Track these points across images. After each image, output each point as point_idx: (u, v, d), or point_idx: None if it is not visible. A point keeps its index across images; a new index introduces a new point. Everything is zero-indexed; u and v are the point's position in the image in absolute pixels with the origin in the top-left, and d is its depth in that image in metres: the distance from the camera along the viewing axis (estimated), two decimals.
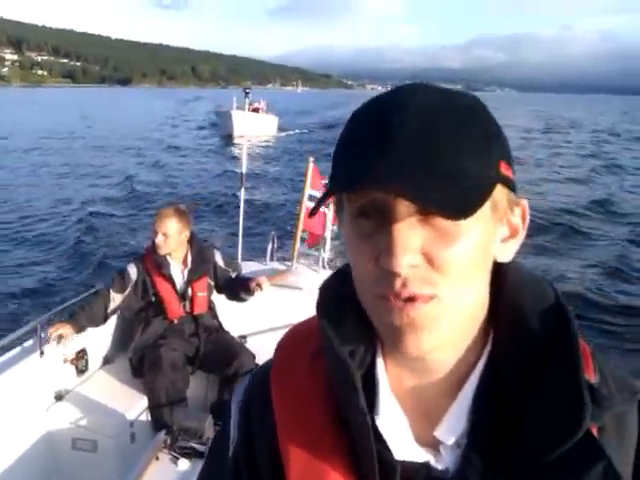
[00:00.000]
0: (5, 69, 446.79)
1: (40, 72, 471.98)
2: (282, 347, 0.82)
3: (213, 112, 43.06)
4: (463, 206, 0.58)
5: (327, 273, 4.99)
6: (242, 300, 4.26)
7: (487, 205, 0.62)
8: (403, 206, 0.60)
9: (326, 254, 5.17)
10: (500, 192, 0.64)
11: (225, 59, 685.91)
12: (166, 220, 3.88)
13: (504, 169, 0.65)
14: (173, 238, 3.92)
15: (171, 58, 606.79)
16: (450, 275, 0.61)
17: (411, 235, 0.60)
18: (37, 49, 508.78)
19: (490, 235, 0.66)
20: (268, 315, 4.36)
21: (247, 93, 5.98)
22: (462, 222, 0.60)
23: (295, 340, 0.82)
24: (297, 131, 42.16)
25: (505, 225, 0.68)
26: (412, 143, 0.60)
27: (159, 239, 3.89)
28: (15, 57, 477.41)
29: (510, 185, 0.66)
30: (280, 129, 41.84)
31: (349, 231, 0.66)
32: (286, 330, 0.84)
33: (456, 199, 0.58)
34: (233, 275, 4.31)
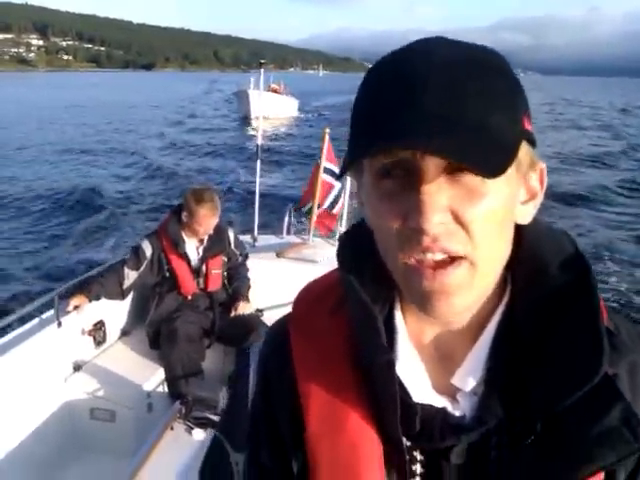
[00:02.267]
0: (32, 54, 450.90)
1: (65, 57, 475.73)
2: (300, 302, 0.82)
3: (232, 93, 42.82)
4: (496, 164, 0.57)
5: None
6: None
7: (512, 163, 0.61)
8: (431, 164, 0.58)
9: (343, 227, 5.15)
10: (523, 149, 0.63)
11: (246, 43, 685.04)
12: (217, 215, 4.00)
13: (527, 124, 0.64)
14: (213, 227, 4.05)
15: (193, 42, 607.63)
16: (478, 233, 0.60)
17: (440, 193, 0.59)
18: (62, 34, 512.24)
19: (514, 194, 0.65)
20: (284, 288, 4.34)
21: (261, 64, 5.91)
22: (489, 180, 0.59)
23: (313, 295, 0.82)
24: (319, 114, 41.79)
25: (523, 187, 0.67)
26: (439, 98, 0.57)
27: (206, 233, 4.04)
28: (41, 42, 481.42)
29: (532, 141, 0.65)
30: (301, 111, 41.43)
31: (371, 193, 0.65)
32: None
33: (489, 156, 0.56)
34: (240, 259, 4.35)
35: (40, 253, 10.27)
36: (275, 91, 37.18)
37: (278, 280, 4.34)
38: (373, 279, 0.72)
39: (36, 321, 3.64)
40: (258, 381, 0.82)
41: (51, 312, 3.66)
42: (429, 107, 0.57)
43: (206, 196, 3.94)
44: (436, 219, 0.58)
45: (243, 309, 4.13)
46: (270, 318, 4.12)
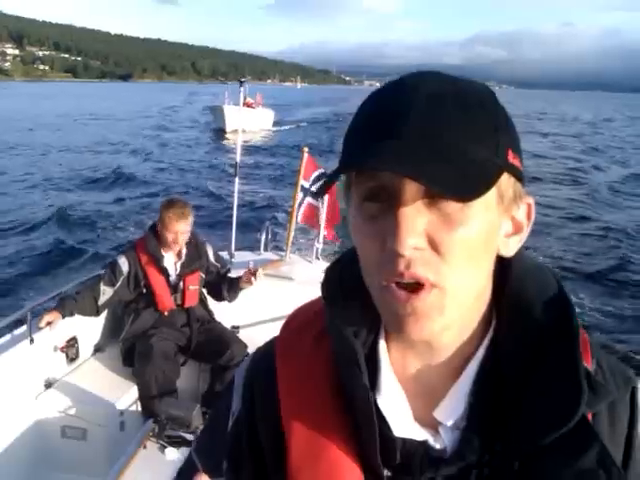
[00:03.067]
0: (7, 64, 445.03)
1: (42, 67, 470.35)
2: (288, 327, 0.83)
3: (207, 107, 42.15)
4: (469, 188, 0.58)
5: (320, 264, 5.01)
6: (224, 300, 4.27)
7: (493, 194, 0.63)
8: (410, 189, 0.61)
9: (320, 245, 5.16)
10: (507, 182, 0.65)
11: (224, 54, 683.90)
12: (185, 221, 3.92)
13: (511, 158, 0.65)
14: (186, 235, 3.98)
15: (170, 53, 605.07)
16: (452, 260, 0.62)
17: (417, 218, 0.61)
18: (38, 44, 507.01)
19: (495, 225, 0.66)
20: (260, 305, 4.35)
21: (242, 82, 5.87)
22: (467, 208, 0.61)
23: (300, 321, 0.83)
24: (293, 126, 41.67)
25: (509, 220, 0.69)
26: (419, 127, 0.60)
27: (180, 239, 3.95)
28: (17, 52, 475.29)
29: (517, 175, 0.66)
30: (276, 123, 40.99)
31: (356, 214, 0.67)
32: (279, 320, 0.87)
33: (462, 181, 0.58)
34: (222, 271, 4.31)
35: (12, 267, 10.10)
36: (249, 105, 36.68)
37: (255, 297, 4.33)
38: (359, 307, 0.73)
39: (8, 337, 3.59)
40: (243, 401, 0.82)
41: (23, 328, 3.61)
42: (408, 135, 0.60)
43: (175, 201, 3.98)
44: (411, 242, 0.60)
45: (249, 278, 4.11)
46: (246, 334, 4.12)
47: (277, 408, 0.75)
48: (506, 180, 0.64)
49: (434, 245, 0.61)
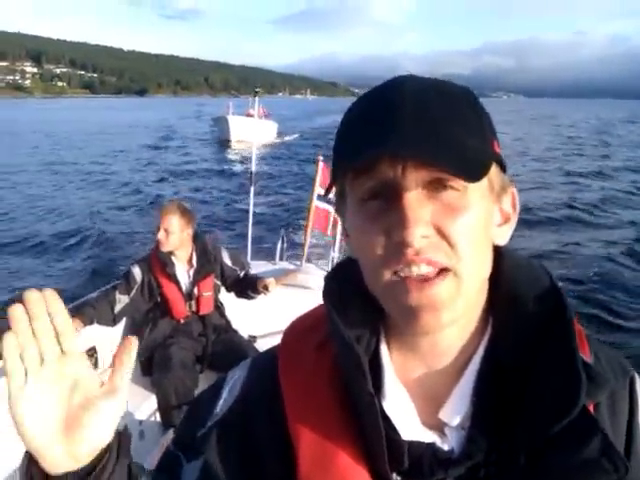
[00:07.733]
0: (27, 81, 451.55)
1: (60, 84, 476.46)
2: (288, 337, 0.83)
3: (212, 119, 41.74)
4: (473, 171, 0.61)
5: None
6: (250, 298, 4.24)
7: (485, 182, 0.66)
8: (412, 181, 0.63)
9: (336, 254, 5.16)
10: (495, 172, 0.68)
11: (234, 69, 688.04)
12: (168, 216, 3.84)
13: (497, 147, 0.69)
14: (175, 235, 3.88)
15: (182, 69, 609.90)
16: (460, 246, 0.64)
17: (422, 208, 0.63)
18: (55, 62, 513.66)
19: (489, 213, 0.69)
20: (277, 315, 4.32)
21: (257, 92, 5.95)
22: (466, 196, 0.64)
23: (300, 330, 0.83)
24: (296, 136, 41.47)
25: (499, 211, 0.73)
26: (413, 119, 0.63)
27: (161, 235, 3.86)
28: (35, 70, 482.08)
29: (502, 165, 0.70)
30: (280, 134, 40.88)
31: (356, 216, 0.69)
32: None
33: (465, 165, 0.61)
34: (241, 274, 4.29)
35: (32, 279, 10.11)
36: (250, 116, 36.43)
37: (271, 306, 4.33)
38: (359, 314, 0.74)
39: None
40: (235, 402, 0.81)
41: None
42: (405, 127, 0.63)
43: (163, 206, 4.00)
44: (419, 232, 0.62)
45: (270, 283, 4.09)
46: (263, 345, 4.10)
47: (283, 419, 0.75)
48: (494, 170, 0.67)
49: (441, 232, 0.63)
